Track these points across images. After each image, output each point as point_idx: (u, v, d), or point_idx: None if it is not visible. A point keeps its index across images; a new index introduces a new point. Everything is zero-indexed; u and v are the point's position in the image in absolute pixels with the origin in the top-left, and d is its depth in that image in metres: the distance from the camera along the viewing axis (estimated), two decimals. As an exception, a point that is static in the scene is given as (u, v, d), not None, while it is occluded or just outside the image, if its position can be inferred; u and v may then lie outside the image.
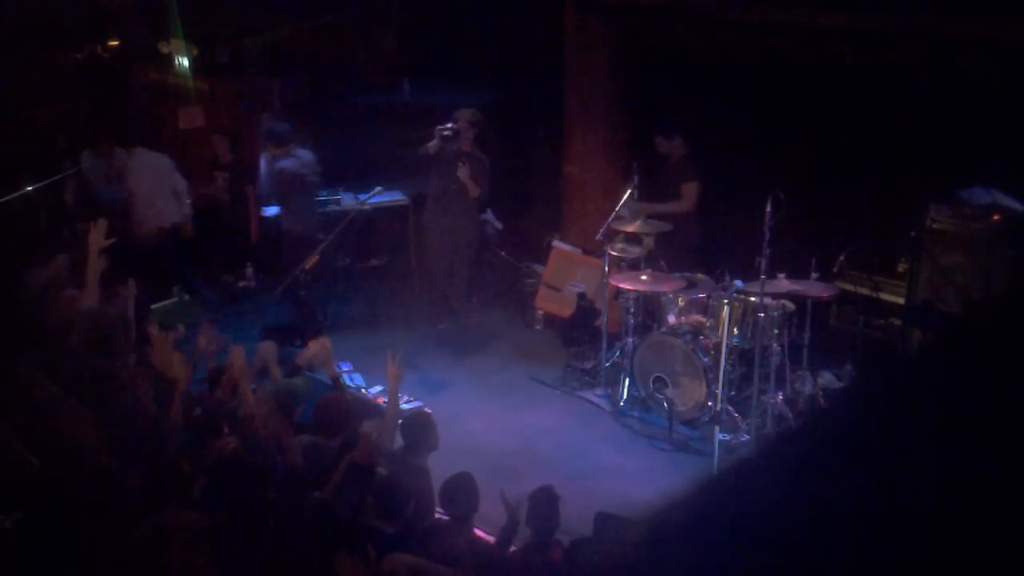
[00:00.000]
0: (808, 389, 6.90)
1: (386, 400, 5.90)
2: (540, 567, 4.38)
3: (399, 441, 5.41)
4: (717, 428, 6.32)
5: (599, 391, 7.57)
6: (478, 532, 5.00)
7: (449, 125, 7.91)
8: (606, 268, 7.48)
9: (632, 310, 7.35)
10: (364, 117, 10.07)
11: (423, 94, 10.07)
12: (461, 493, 4.72)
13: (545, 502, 4.67)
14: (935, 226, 6.79)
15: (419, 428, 5.29)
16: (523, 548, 4.63)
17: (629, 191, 7.53)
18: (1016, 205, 6.63)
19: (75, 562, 3.43)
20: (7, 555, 3.47)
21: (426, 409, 7.15)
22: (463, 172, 7.97)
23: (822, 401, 6.83)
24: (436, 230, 8.37)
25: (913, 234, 6.80)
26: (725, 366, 6.49)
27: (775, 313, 6.63)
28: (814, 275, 6.87)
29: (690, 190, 7.85)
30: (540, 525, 4.59)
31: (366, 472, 4.53)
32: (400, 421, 5.49)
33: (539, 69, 9.48)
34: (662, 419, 6.97)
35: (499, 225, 9.61)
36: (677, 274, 7.34)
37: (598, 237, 7.53)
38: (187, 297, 9.12)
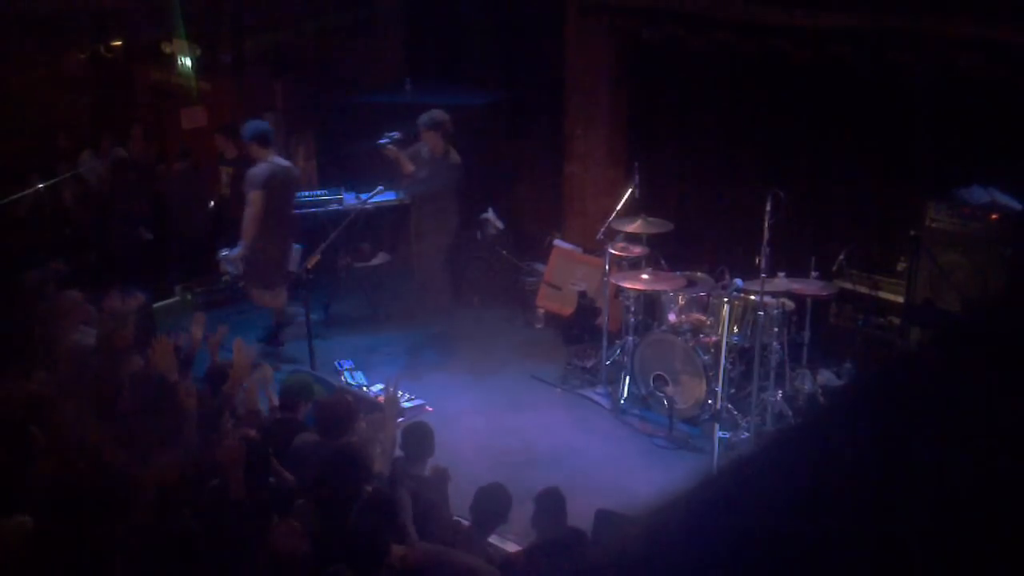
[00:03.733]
0: (808, 387, 6.92)
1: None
2: (545, 570, 4.31)
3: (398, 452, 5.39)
4: (717, 426, 6.33)
5: (600, 389, 7.59)
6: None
7: (394, 133, 7.86)
8: (607, 267, 7.49)
9: (632, 308, 7.37)
10: (366, 117, 10.06)
11: (425, 94, 10.06)
12: (492, 504, 4.62)
13: (552, 504, 4.57)
14: (934, 225, 6.79)
15: (419, 438, 5.26)
16: (527, 549, 4.55)
17: (630, 190, 7.53)
18: (1015, 205, 6.63)
19: (89, 562, 3.44)
20: (27, 556, 3.48)
21: (427, 407, 7.17)
22: (391, 151, 7.84)
23: (821, 399, 6.84)
24: (415, 233, 8.44)
25: (912, 233, 6.81)
26: (725, 364, 6.51)
27: (775, 311, 6.65)
28: (814, 274, 6.89)
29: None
30: (548, 527, 4.50)
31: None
32: (400, 430, 5.47)
33: (540, 69, 9.48)
34: (662, 417, 6.98)
35: (500, 225, 9.61)
36: (677, 272, 7.36)
37: (599, 236, 7.53)
38: (188, 296, 9.12)
